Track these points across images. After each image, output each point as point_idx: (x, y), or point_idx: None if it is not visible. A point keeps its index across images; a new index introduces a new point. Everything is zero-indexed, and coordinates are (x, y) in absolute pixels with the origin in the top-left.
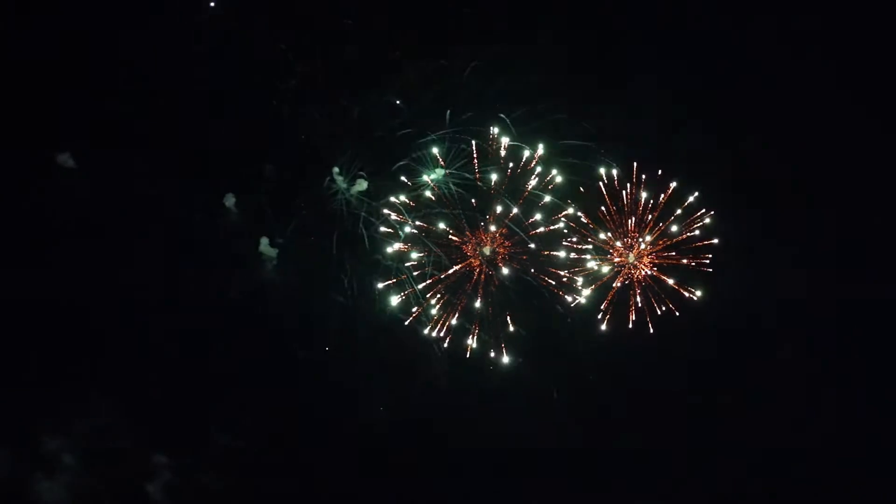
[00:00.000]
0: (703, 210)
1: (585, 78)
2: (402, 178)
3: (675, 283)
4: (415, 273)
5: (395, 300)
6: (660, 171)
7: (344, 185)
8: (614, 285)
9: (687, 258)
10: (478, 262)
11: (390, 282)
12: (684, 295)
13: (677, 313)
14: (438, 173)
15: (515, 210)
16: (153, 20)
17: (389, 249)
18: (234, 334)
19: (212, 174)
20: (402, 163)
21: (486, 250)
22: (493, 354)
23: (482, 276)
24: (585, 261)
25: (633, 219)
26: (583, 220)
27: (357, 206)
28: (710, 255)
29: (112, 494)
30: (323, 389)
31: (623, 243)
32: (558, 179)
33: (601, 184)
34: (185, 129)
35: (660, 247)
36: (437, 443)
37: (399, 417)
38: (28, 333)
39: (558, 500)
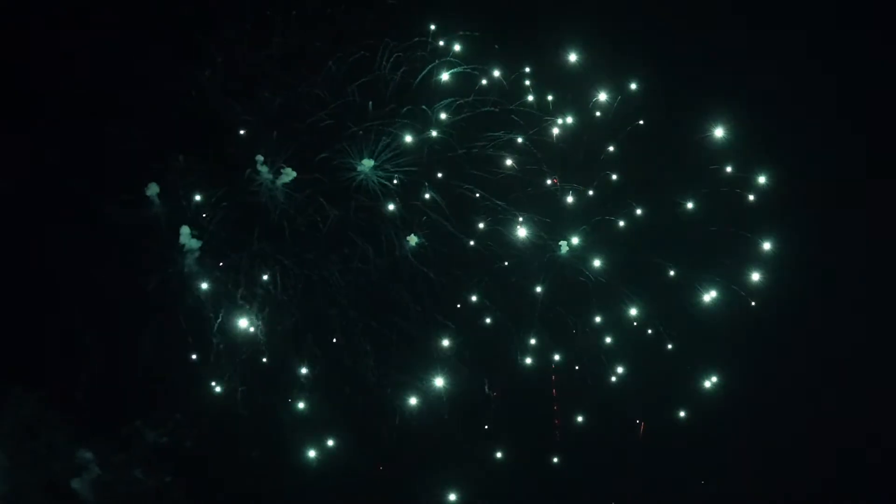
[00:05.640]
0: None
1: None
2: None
3: None
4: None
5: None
6: None
7: (269, 176)
8: None
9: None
10: None
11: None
12: None
13: None
14: (367, 164)
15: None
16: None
17: None
18: (158, 328)
19: (132, 164)
20: (324, 154)
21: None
22: None
23: None
24: None
25: None
26: None
27: (282, 197)
28: None
29: (40, 490)
30: (250, 384)
31: None
32: None
33: None
34: (104, 119)
35: None
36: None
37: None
38: None
39: None
